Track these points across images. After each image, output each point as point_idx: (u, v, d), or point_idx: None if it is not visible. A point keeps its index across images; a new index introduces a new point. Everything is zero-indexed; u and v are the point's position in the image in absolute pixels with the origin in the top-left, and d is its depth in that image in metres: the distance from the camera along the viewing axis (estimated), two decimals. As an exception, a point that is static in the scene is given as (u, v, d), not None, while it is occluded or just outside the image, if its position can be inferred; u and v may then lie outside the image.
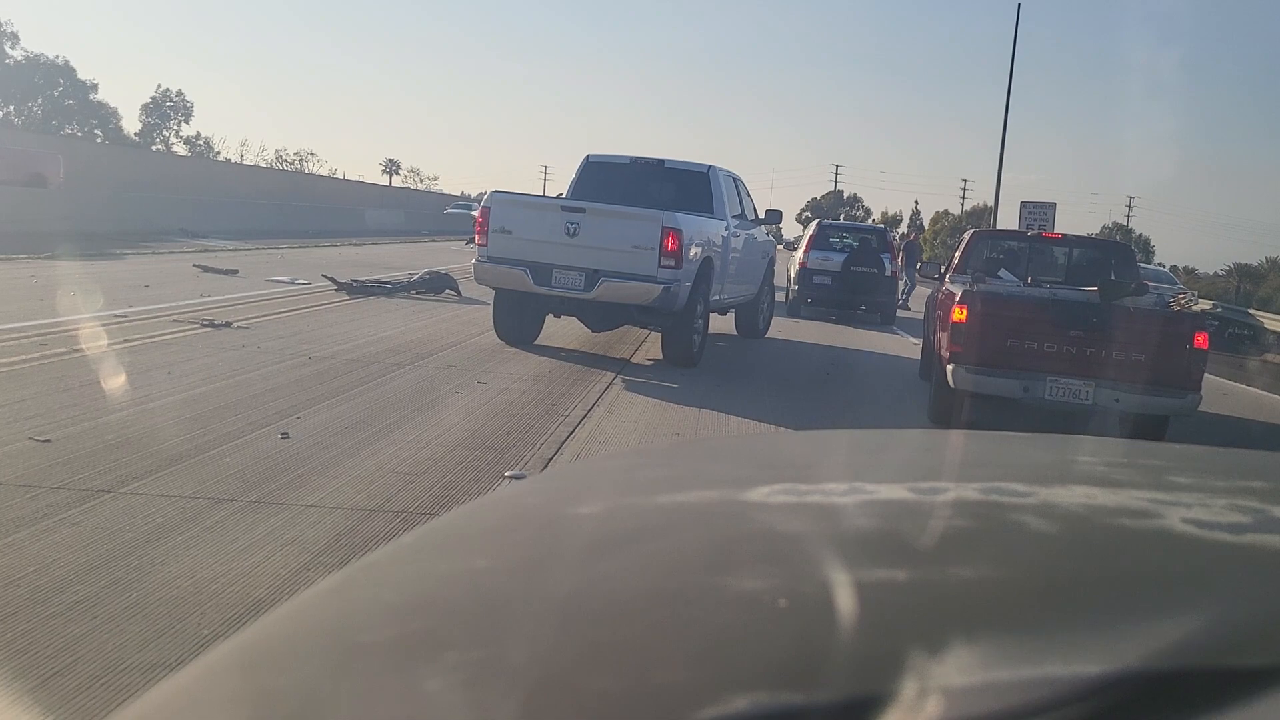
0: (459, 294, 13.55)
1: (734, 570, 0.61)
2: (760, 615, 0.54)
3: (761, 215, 11.97)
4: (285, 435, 5.18)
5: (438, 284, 13.53)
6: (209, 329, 8.58)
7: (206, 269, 13.85)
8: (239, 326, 8.85)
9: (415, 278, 13.64)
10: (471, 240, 20.20)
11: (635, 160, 10.45)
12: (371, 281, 13.40)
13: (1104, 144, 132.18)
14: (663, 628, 0.55)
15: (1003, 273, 9.04)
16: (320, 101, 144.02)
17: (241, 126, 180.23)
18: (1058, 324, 6.80)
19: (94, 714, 2.38)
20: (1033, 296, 7.39)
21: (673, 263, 8.60)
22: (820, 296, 15.95)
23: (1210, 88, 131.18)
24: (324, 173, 75.22)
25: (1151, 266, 28.58)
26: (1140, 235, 71.71)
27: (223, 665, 0.61)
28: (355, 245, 25.23)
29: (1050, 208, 34.62)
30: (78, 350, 7.02)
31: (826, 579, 0.56)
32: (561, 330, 10.84)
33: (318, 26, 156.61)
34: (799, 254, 16.58)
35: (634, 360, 9.33)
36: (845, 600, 0.54)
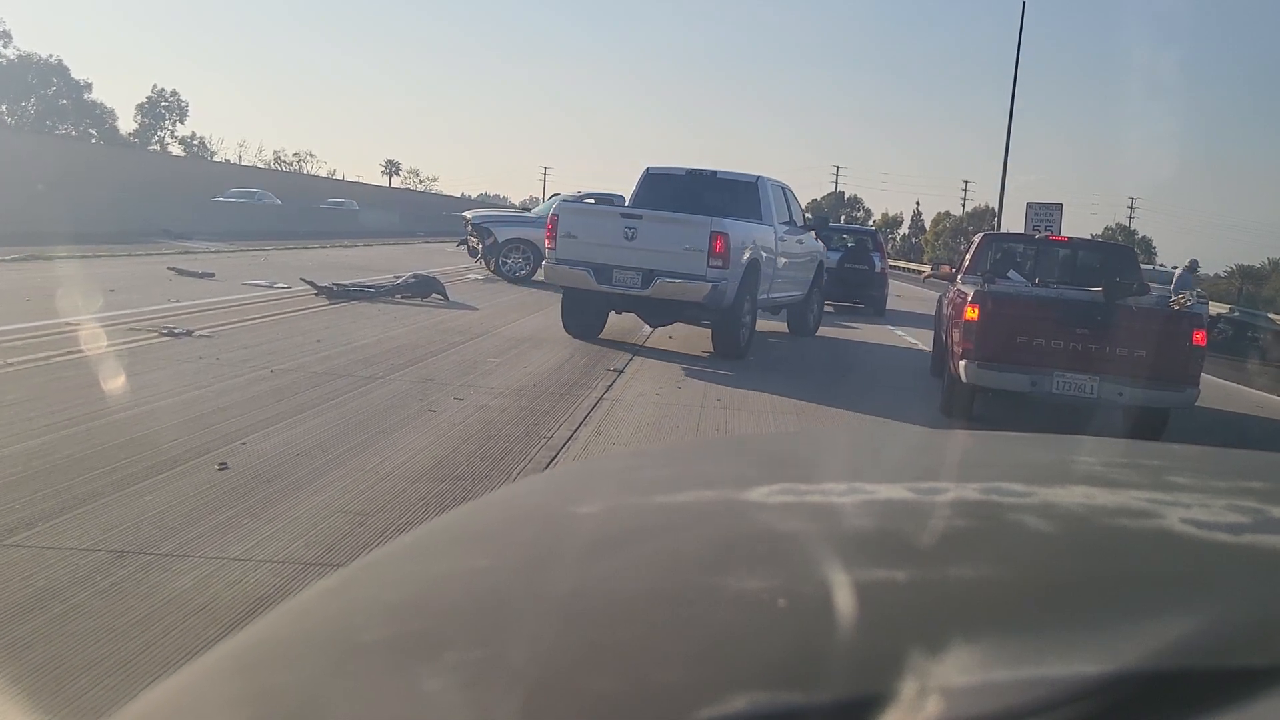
0: (446, 298, 12.93)
1: (733, 570, 0.60)
2: (759, 615, 0.54)
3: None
4: (223, 466, 4.54)
5: (424, 288, 12.90)
6: (167, 338, 7.95)
7: (181, 272, 13.23)
8: (201, 335, 8.22)
9: (400, 281, 13.00)
10: (463, 242, 19.69)
11: (690, 171, 11.35)
12: (354, 285, 12.78)
13: (1105, 145, 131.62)
14: (662, 628, 0.54)
15: (1011, 273, 9.20)
16: (320, 102, 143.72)
17: (240, 127, 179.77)
18: (1064, 322, 7.13)
19: (93, 714, 2.30)
20: (1040, 296, 7.70)
21: (720, 263, 9.36)
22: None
23: (1210, 88, 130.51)
24: (323, 173, 74.80)
25: (1163, 269, 27.93)
26: (1143, 236, 71.24)
27: (222, 665, 0.59)
28: (346, 247, 24.62)
29: (1056, 208, 34.06)
30: (9, 365, 6.39)
31: (826, 579, 0.56)
32: (555, 336, 10.21)
33: (317, 27, 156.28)
34: None
35: (628, 369, 8.70)
36: (844, 600, 0.53)
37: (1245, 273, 49.04)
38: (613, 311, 10.44)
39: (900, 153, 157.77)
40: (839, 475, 0.89)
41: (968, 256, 10.11)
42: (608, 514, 0.78)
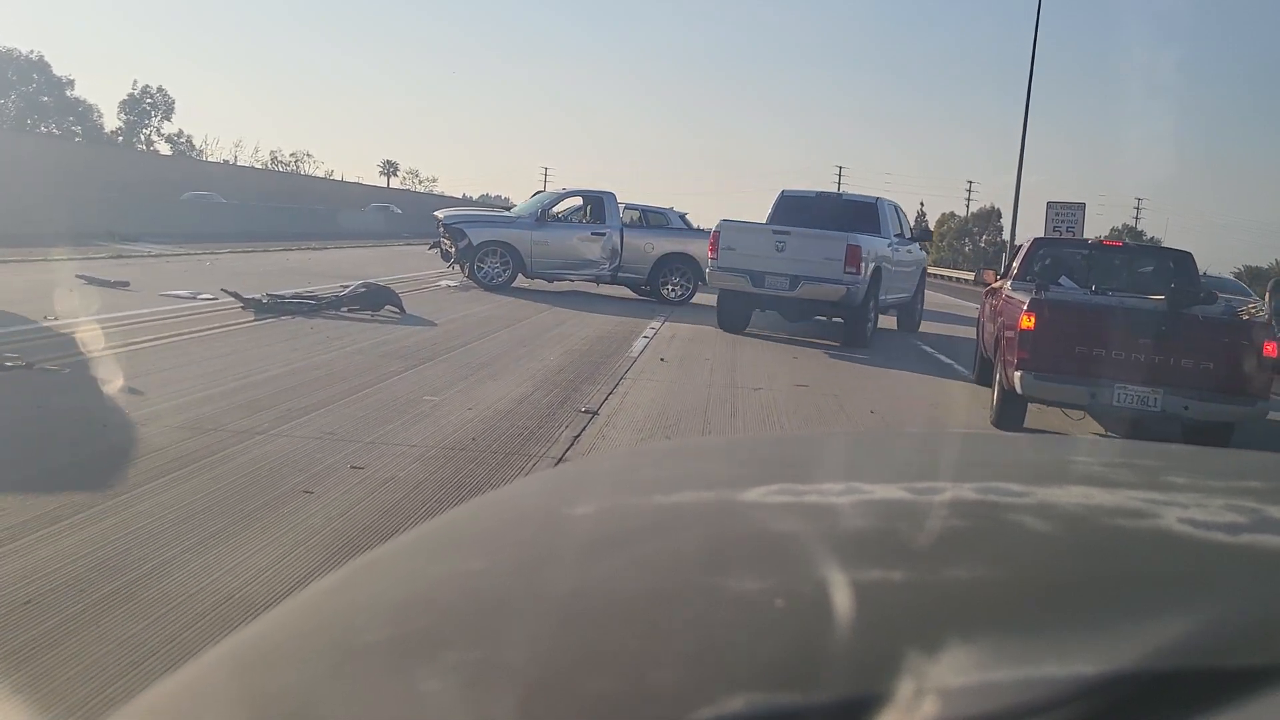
0: (401, 311, 11.06)
1: (731, 570, 0.60)
2: (757, 615, 0.54)
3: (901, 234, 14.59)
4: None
5: (374, 299, 11.01)
6: (-5, 374, 6.06)
7: (91, 280, 11.32)
8: (47, 368, 6.33)
9: (346, 292, 11.09)
10: (435, 245, 17.82)
11: (820, 193, 13.98)
12: (292, 297, 10.89)
13: (1107, 144, 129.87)
14: (659, 628, 0.54)
15: (1063, 279, 8.75)
16: (318, 103, 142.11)
17: (238, 127, 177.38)
18: (1125, 332, 6.83)
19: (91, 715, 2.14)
20: (1100, 304, 7.36)
21: (854, 270, 11.44)
22: None
23: (1214, 88, 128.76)
24: (320, 174, 72.96)
25: (1220, 276, 25.97)
26: (1151, 237, 69.87)
27: (219, 665, 0.60)
28: (316, 250, 22.75)
29: (1079, 208, 32.28)
30: None
31: (823, 579, 0.56)
32: (521, 360, 8.34)
33: (316, 26, 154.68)
34: None
35: (604, 409, 6.83)
36: (842, 600, 0.53)
37: (1253, 274, 47.37)
38: (756, 310, 12.58)
39: (903, 153, 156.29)
40: (836, 475, 0.89)
41: (1016, 262, 9.46)
42: (605, 514, 0.78)
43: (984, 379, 9.34)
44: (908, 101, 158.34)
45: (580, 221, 16.73)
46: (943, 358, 12.08)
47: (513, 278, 15.83)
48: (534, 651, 0.52)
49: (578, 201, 17.31)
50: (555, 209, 16.71)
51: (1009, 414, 7.36)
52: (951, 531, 0.66)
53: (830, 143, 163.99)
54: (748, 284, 11.83)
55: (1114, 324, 6.89)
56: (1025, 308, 6.96)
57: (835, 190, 13.74)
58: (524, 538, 0.74)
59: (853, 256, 11.44)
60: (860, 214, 12.96)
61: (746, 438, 4.97)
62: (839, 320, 12.23)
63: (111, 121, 63.66)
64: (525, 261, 15.81)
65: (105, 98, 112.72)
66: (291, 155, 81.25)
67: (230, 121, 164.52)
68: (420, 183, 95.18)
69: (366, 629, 0.59)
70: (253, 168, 63.16)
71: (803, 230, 11.82)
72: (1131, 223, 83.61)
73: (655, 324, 12.75)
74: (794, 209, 13.11)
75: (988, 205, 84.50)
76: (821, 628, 0.50)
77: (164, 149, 64.85)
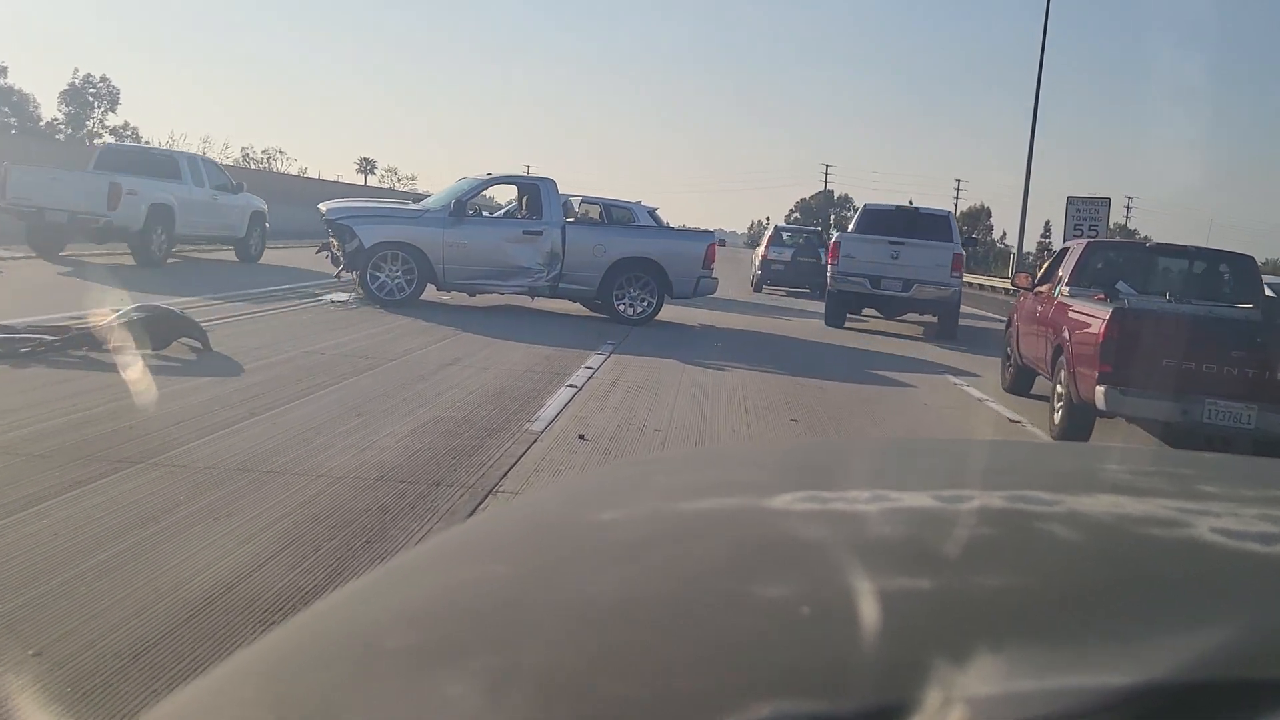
0: (204, 345, 7.30)
1: (756, 577, 0.60)
2: (783, 622, 0.54)
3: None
4: None
5: (157, 330, 7.19)
6: None
7: None
8: None
9: (109, 320, 7.22)
10: (325, 246, 14.10)
11: (898, 207, 15.77)
12: (24, 329, 7.05)
13: (1100, 143, 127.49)
14: (684, 634, 0.53)
15: (1121, 284, 8.07)
16: (293, 99, 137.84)
17: (206, 123, 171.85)
18: (1217, 343, 6.45)
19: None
20: (1190, 314, 6.97)
21: (957, 274, 14.20)
22: (776, 279, 22.41)
23: (1207, 88, 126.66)
24: (294, 172, 68.60)
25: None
26: (1145, 236, 67.72)
27: (244, 670, 0.60)
28: (205, 255, 18.89)
29: (1103, 204, 28.99)
30: None
31: (849, 586, 0.56)
32: (288, 477, 4.61)
33: (287, 20, 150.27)
34: (761, 248, 23.33)
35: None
36: (868, 608, 0.53)
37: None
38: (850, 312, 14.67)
39: (891, 152, 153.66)
40: (863, 483, 0.87)
41: (1064, 267, 8.63)
42: (629, 521, 0.77)
43: (1017, 388, 9.22)
44: (895, 100, 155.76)
45: (510, 216, 12.99)
46: (983, 397, 8.49)
47: (419, 290, 12.06)
48: (557, 657, 0.51)
49: (510, 191, 13.58)
50: (477, 200, 12.95)
51: (1075, 429, 6.99)
52: (979, 540, 0.65)
53: (817, 140, 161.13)
54: (867, 286, 13.84)
55: (1205, 335, 6.51)
56: (1108, 318, 6.52)
57: (914, 205, 15.94)
58: (547, 544, 0.73)
59: (957, 263, 13.86)
60: (936, 225, 14.66)
61: (773, 444, 4.76)
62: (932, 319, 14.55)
63: (50, 112, 59.41)
64: (435, 268, 12.03)
65: (43, 87, 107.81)
66: (263, 152, 76.82)
67: (197, 117, 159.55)
68: (399, 180, 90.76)
69: (390, 635, 0.58)
70: (225, 165, 58.91)
71: (915, 241, 13.88)
72: (1122, 220, 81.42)
73: (596, 359, 9.03)
74: (876, 220, 14.70)
75: (977, 204, 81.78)
76: (848, 635, 0.49)
77: (109, 142, 60.61)
